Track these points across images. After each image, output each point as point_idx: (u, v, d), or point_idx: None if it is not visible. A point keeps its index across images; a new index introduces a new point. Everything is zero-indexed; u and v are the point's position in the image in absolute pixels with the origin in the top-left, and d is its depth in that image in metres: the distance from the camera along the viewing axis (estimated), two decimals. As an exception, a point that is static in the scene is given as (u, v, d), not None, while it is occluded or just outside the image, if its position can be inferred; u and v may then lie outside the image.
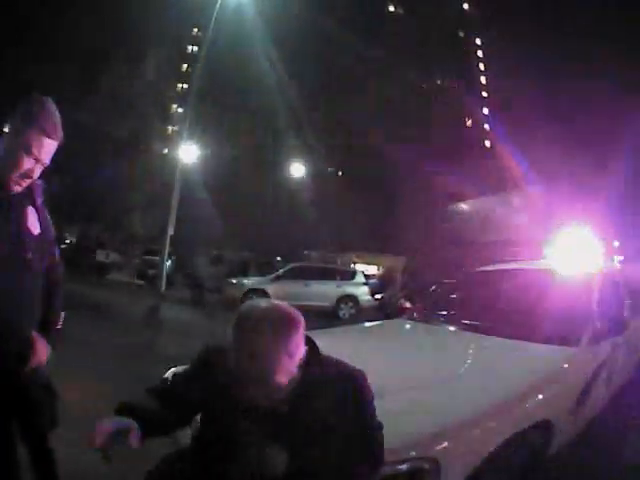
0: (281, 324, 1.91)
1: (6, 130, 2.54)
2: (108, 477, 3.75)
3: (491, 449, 2.90)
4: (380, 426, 2.13)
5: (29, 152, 2.49)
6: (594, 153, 32.55)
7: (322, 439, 1.94)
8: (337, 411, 1.97)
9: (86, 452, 3.28)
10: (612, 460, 4.48)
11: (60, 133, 2.59)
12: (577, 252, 5.93)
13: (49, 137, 2.53)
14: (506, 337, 4.38)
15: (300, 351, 1.97)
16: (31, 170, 2.54)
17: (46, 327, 2.75)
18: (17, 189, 2.57)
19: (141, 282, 23.02)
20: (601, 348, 4.41)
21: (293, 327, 1.93)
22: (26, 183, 2.59)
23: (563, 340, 4.19)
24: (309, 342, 2.08)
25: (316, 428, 1.95)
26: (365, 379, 2.09)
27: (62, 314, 2.88)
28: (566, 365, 3.96)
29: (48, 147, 2.55)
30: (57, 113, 2.60)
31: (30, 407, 2.81)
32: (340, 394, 2.01)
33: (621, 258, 16.94)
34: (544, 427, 3.40)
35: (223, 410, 2.04)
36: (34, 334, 2.62)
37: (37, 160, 2.53)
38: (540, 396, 3.47)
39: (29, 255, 2.57)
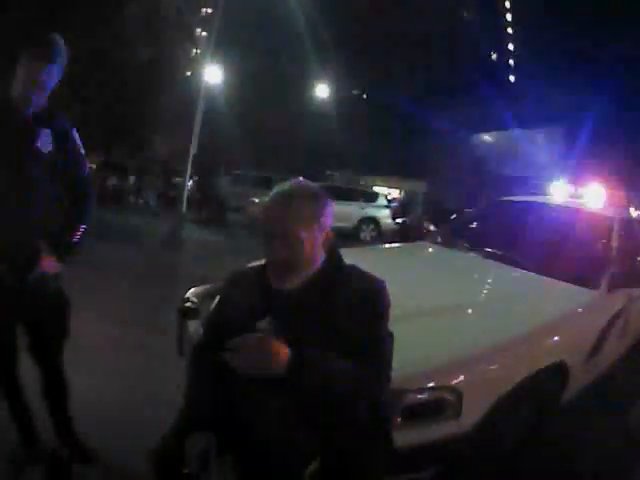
0: (311, 192, 2.03)
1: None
2: (123, 405, 3.86)
3: (510, 386, 2.89)
4: (391, 336, 2.08)
5: (32, 76, 2.65)
6: (618, 98, 31.43)
7: (331, 336, 1.91)
8: (351, 313, 1.94)
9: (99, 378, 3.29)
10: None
11: (60, 55, 2.72)
12: (598, 198, 5.79)
13: (48, 60, 2.66)
14: (527, 270, 4.36)
15: (327, 225, 2.04)
16: (33, 94, 2.69)
17: (57, 239, 2.85)
18: (26, 112, 2.72)
19: (162, 204, 22.86)
20: (618, 297, 4.31)
21: (322, 197, 2.04)
22: (35, 106, 2.73)
23: (583, 281, 4.11)
24: (333, 249, 2.12)
25: (328, 323, 1.92)
26: (385, 288, 2.05)
27: (81, 227, 2.94)
28: (584, 308, 3.90)
29: (49, 69, 2.68)
30: (59, 43, 2.73)
31: (36, 314, 2.91)
32: (357, 297, 1.98)
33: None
34: (560, 369, 3.36)
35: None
36: (41, 245, 2.75)
37: (42, 85, 2.69)
38: (558, 337, 3.44)
39: (33, 172, 2.71)
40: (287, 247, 1.93)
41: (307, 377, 1.78)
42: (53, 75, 2.71)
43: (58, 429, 3.17)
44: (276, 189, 2.02)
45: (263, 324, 1.82)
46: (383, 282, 2.07)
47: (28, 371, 3.01)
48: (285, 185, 2.02)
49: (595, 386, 4.26)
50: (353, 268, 2.13)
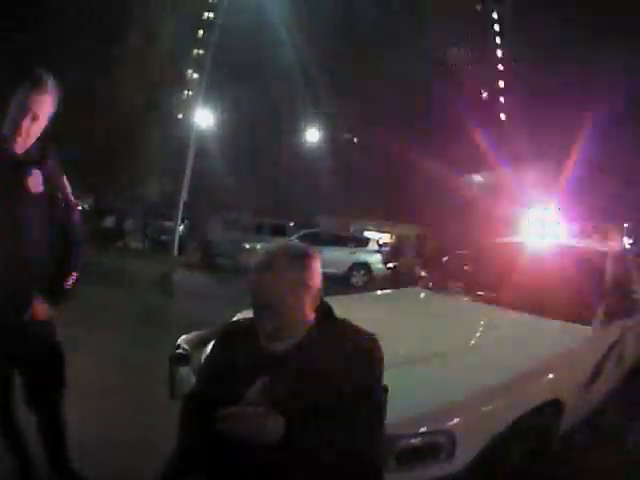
0: (295, 256, 1.98)
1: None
2: (118, 448, 3.80)
3: (503, 427, 2.89)
4: (385, 390, 2.08)
5: (24, 108, 2.61)
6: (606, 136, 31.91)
7: (325, 394, 1.89)
8: (344, 369, 1.93)
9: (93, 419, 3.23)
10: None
11: (52, 89, 2.70)
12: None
13: (40, 91, 2.63)
14: (520, 311, 4.38)
15: (316, 285, 2.01)
16: (30, 128, 2.66)
17: (50, 285, 2.80)
18: (19, 150, 2.68)
19: (154, 248, 22.75)
20: (612, 329, 4.36)
21: (307, 258, 2.00)
22: (27, 143, 2.70)
23: (576, 318, 4.14)
24: (323, 304, 2.10)
25: (321, 381, 1.91)
26: (377, 343, 2.04)
27: (74, 275, 2.89)
28: (578, 344, 3.92)
29: (41, 101, 2.66)
30: (50, 78, 2.70)
31: (31, 363, 2.84)
32: (350, 353, 1.97)
33: (630, 240, 16.46)
34: (554, 407, 3.37)
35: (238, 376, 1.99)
36: (34, 291, 2.71)
37: (34, 117, 2.65)
38: (551, 375, 3.45)
39: (24, 213, 2.65)
40: (275, 316, 1.93)
41: (302, 443, 1.78)
42: (45, 107, 2.69)
43: (54, 465, 3.10)
44: (260, 256, 1.98)
45: (254, 393, 1.80)
46: (375, 337, 2.06)
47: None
48: (269, 252, 1.99)
49: (592, 412, 4.28)
50: (345, 323, 2.13)
